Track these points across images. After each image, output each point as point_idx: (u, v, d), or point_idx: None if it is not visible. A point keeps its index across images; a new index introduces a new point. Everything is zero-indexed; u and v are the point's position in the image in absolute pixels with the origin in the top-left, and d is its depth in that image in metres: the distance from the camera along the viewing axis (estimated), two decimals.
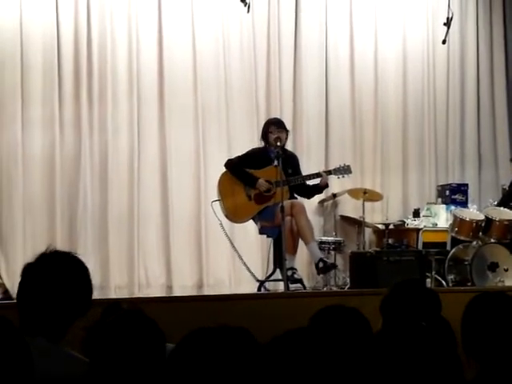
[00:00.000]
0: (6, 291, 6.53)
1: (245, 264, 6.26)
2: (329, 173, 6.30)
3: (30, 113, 7.08)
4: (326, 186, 6.35)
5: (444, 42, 7.41)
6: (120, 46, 7.40)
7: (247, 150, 6.39)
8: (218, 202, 6.21)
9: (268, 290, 6.19)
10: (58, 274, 2.16)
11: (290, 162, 6.26)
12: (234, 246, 6.38)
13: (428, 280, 6.55)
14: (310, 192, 6.39)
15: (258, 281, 6.19)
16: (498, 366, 1.99)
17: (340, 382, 1.52)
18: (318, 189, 6.35)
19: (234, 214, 6.24)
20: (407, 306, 2.81)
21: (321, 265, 6.02)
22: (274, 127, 6.21)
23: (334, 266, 6.40)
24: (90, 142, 7.26)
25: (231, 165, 6.24)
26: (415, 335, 1.60)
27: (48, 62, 7.13)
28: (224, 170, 6.27)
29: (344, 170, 6.32)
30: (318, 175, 6.24)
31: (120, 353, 1.83)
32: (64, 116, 7.20)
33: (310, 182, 6.32)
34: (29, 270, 2.18)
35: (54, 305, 2.13)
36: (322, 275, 6.76)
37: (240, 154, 6.36)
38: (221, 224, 6.19)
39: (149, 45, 7.51)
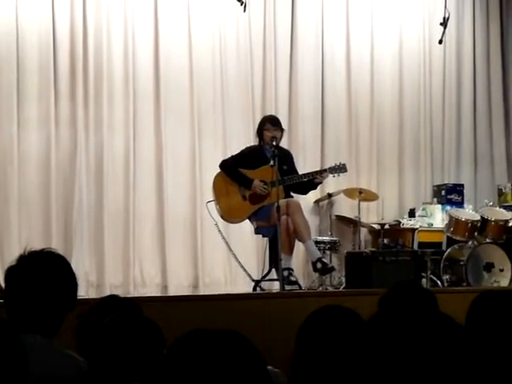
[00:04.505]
0: (2, 290, 6.51)
1: (240, 264, 6.25)
2: (324, 171, 6.29)
3: (26, 111, 7.06)
4: (321, 182, 6.34)
5: (440, 41, 7.41)
6: (116, 44, 7.39)
7: (242, 149, 6.38)
8: (213, 203, 6.20)
9: (263, 290, 6.18)
10: (39, 272, 2.17)
11: (285, 159, 6.24)
12: (229, 247, 6.36)
13: (423, 280, 6.55)
14: (305, 189, 6.36)
15: (253, 280, 6.18)
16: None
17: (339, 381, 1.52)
18: (313, 185, 6.32)
19: (229, 215, 6.22)
20: (404, 306, 2.81)
21: (319, 265, 5.98)
22: (269, 125, 6.20)
23: (332, 268, 6.36)
24: (86, 141, 7.24)
25: (226, 166, 6.22)
26: (411, 331, 1.58)
27: (44, 61, 7.11)
28: (219, 170, 6.26)
29: (339, 169, 6.29)
30: (315, 174, 6.21)
31: (120, 355, 1.82)
32: (60, 115, 7.18)
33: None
34: (11, 274, 2.22)
35: (41, 303, 2.15)
36: (318, 275, 6.75)
37: (234, 154, 6.35)
38: (216, 225, 6.18)
39: (145, 43, 7.50)
